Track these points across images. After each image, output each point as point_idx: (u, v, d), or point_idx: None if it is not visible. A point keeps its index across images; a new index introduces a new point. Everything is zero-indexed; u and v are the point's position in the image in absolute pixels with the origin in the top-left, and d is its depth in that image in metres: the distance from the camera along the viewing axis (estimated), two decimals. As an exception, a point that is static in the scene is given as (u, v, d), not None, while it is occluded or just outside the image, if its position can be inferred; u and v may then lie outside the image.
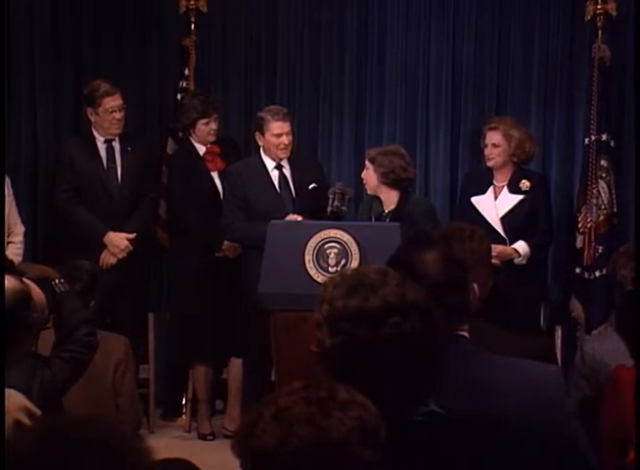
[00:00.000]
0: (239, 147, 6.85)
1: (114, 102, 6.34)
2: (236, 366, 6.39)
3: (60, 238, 6.64)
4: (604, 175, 6.50)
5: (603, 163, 6.50)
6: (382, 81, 6.94)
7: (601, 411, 3.43)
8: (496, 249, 5.49)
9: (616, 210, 6.52)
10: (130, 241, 6.38)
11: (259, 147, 6.20)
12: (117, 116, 6.36)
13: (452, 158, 6.93)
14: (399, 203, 5.93)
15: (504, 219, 6.17)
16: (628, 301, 3.50)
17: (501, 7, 6.85)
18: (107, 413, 4.56)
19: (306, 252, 5.23)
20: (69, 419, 1.95)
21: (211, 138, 6.45)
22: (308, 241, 5.25)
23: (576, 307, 6.51)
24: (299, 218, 5.86)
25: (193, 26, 6.88)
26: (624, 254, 4.25)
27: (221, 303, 6.34)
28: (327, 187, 5.90)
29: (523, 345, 3.05)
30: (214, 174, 6.44)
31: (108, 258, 6.37)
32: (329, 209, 5.62)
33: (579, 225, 6.52)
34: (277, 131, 6.09)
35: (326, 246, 5.24)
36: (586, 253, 6.49)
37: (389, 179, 5.90)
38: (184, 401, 6.75)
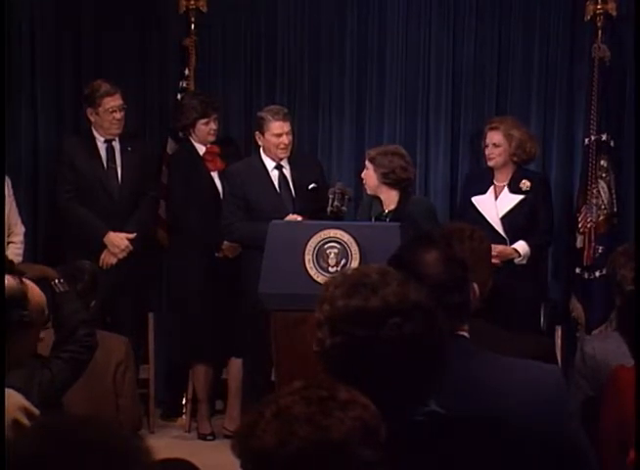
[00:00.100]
0: (239, 147, 6.85)
1: (114, 102, 6.34)
2: (236, 366, 6.39)
3: (60, 238, 6.64)
4: (604, 175, 6.51)
5: (603, 163, 6.51)
6: (382, 81, 6.94)
7: (601, 411, 3.42)
8: (496, 249, 5.49)
9: (616, 210, 6.52)
10: (130, 241, 6.38)
11: (259, 147, 6.20)
12: (118, 116, 6.37)
13: (452, 158, 6.93)
14: (399, 203, 5.93)
15: (504, 219, 6.17)
16: (629, 300, 3.50)
17: (501, 7, 6.85)
18: (107, 413, 4.55)
19: (306, 252, 5.23)
20: (69, 419, 1.95)
21: (211, 138, 6.45)
22: (308, 241, 5.24)
23: (576, 307, 6.52)
24: (299, 218, 5.87)
25: (193, 26, 6.89)
26: (624, 253, 4.25)
27: (221, 303, 6.34)
28: (327, 187, 5.90)
29: (523, 345, 3.05)
30: (214, 174, 6.44)
31: (108, 259, 6.37)
32: (329, 209, 5.62)
33: (579, 225, 6.52)
34: (277, 131, 6.09)
35: (326, 246, 5.24)
36: (586, 253, 6.49)
37: (390, 179, 5.90)
38: (184, 401, 6.75)
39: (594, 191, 6.50)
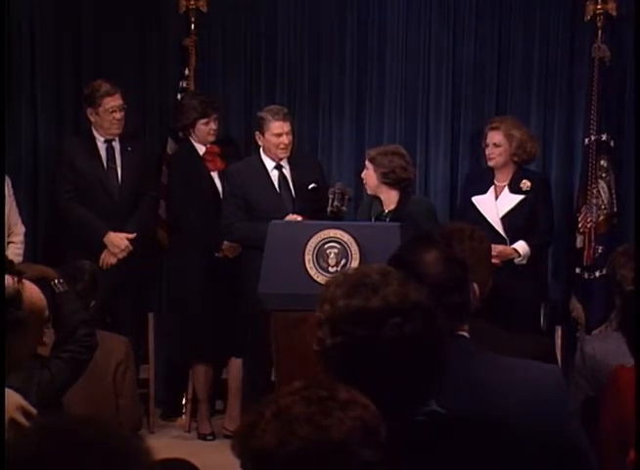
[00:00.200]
0: (239, 147, 6.85)
1: (114, 102, 6.34)
2: (236, 366, 6.39)
3: (60, 238, 6.64)
4: (604, 175, 6.51)
5: (603, 163, 6.51)
6: (382, 81, 6.94)
7: (601, 411, 3.42)
8: (496, 249, 5.49)
9: (616, 210, 6.52)
10: (130, 241, 6.38)
11: (259, 147, 6.20)
12: (118, 116, 6.37)
13: (452, 158, 6.93)
14: (399, 203, 5.92)
15: (504, 219, 6.17)
16: (629, 300, 3.50)
17: (501, 7, 6.85)
18: (107, 413, 4.55)
19: (306, 252, 5.23)
20: (69, 419, 1.95)
21: (211, 138, 6.45)
22: (308, 241, 5.24)
23: (576, 307, 6.52)
24: (299, 218, 5.87)
25: (193, 26, 6.89)
26: (623, 253, 4.25)
27: (221, 303, 6.34)
28: (327, 187, 5.90)
29: (523, 345, 3.05)
30: (214, 174, 6.44)
31: (108, 259, 6.37)
32: (329, 209, 5.62)
33: (579, 225, 6.52)
34: (277, 131, 6.09)
35: (326, 246, 5.24)
36: (586, 253, 6.49)
37: (390, 179, 5.90)
38: (184, 401, 6.75)
39: (594, 191, 6.50)
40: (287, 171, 6.20)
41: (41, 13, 6.82)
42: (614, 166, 6.54)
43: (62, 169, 6.42)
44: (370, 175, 5.95)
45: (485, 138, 6.29)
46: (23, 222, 6.39)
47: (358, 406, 1.83)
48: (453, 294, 2.51)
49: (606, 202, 6.50)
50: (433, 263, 2.53)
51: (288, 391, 1.86)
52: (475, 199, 6.26)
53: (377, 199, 6.00)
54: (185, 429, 6.61)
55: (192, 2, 6.87)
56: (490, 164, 6.28)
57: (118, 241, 6.37)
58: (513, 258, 6.08)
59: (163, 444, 5.89)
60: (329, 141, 7.03)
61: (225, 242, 6.31)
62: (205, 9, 6.90)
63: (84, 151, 6.43)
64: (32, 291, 3.17)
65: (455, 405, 2.20)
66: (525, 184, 6.21)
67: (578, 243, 6.52)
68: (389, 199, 5.95)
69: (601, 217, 6.49)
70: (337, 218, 5.57)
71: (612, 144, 6.55)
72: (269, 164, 6.18)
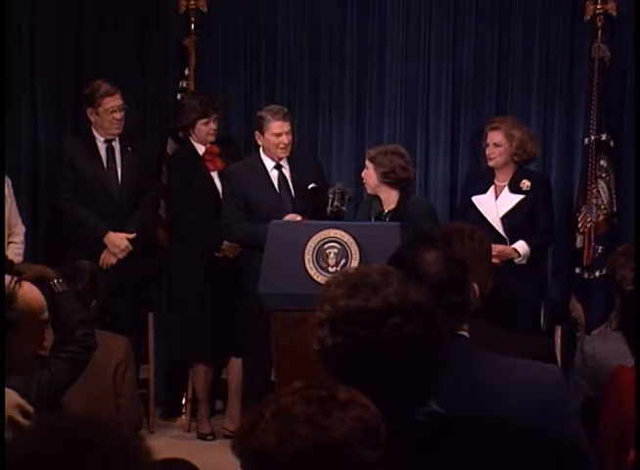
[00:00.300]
0: (239, 147, 6.85)
1: (114, 102, 6.34)
2: (236, 366, 6.39)
3: (60, 238, 6.64)
4: (604, 175, 6.51)
5: (603, 163, 6.51)
6: (382, 81, 6.94)
7: (601, 411, 3.42)
8: (496, 248, 5.49)
9: (615, 210, 6.52)
10: (130, 241, 6.38)
11: (259, 147, 6.20)
12: (117, 116, 6.36)
13: (452, 158, 6.93)
14: (399, 202, 5.92)
15: (504, 219, 6.17)
16: (629, 300, 3.50)
17: (501, 7, 6.85)
18: (107, 413, 4.55)
19: (306, 252, 5.23)
20: (69, 419, 1.94)
21: (211, 138, 6.45)
22: (308, 241, 5.24)
23: (576, 307, 6.52)
24: (299, 218, 5.87)
25: (193, 26, 6.89)
26: (623, 253, 4.25)
27: (221, 303, 6.34)
28: (327, 187, 5.90)
29: (523, 345, 3.04)
30: (214, 174, 6.44)
31: (108, 259, 6.37)
32: (329, 209, 5.62)
33: (579, 225, 6.52)
34: (277, 131, 6.09)
35: (326, 246, 5.24)
36: (586, 253, 6.49)
37: (390, 179, 5.90)
38: (184, 401, 6.75)
39: (594, 191, 6.50)
40: (287, 171, 6.20)
41: (41, 13, 6.82)
42: (613, 166, 6.55)
43: (62, 169, 6.42)
44: (370, 175, 5.95)
45: (486, 138, 6.29)
46: (24, 222, 6.39)
47: (358, 406, 1.83)
48: (453, 294, 2.51)
49: (606, 202, 6.50)
50: (433, 263, 2.53)
51: (288, 391, 1.86)
52: (475, 199, 6.26)
53: (377, 199, 6.00)
54: (185, 429, 6.61)
55: (192, 2, 6.87)
56: (490, 163, 6.28)
57: (118, 241, 6.37)
58: (513, 258, 6.08)
59: (163, 444, 5.89)
60: (329, 141, 7.03)
61: (225, 242, 6.31)
62: (204, 9, 6.90)
63: (84, 151, 6.43)
64: (30, 292, 3.16)
65: (455, 405, 2.20)
66: (525, 184, 6.21)
67: (578, 243, 6.52)
68: (389, 199, 5.95)
69: (601, 217, 6.49)
70: (337, 218, 5.57)
71: (612, 144, 6.55)
72: (269, 163, 6.18)
